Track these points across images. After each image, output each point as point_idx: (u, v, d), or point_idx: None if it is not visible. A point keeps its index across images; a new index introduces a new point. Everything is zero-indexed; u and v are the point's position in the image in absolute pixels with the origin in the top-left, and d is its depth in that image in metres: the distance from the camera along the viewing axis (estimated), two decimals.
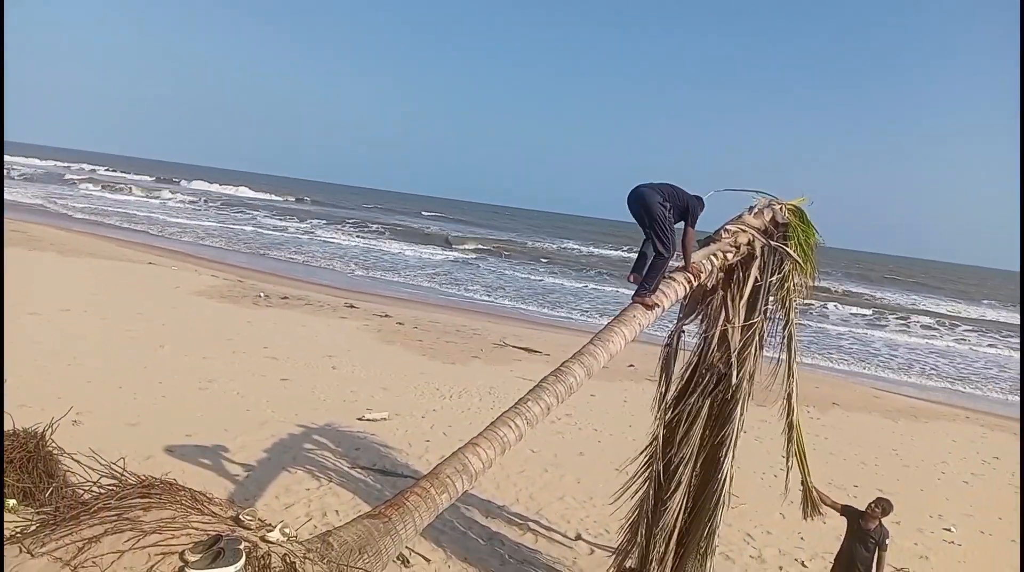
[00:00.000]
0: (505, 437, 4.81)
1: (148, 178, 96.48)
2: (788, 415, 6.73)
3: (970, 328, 42.18)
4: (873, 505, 6.97)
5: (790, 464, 6.89)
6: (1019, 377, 26.33)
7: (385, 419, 11.95)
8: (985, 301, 63.94)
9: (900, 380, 24.49)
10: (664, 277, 5.86)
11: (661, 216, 5.75)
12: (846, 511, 7.21)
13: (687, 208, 5.87)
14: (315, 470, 9.53)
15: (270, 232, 49.20)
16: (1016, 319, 44.67)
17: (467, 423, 11.91)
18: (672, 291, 5.89)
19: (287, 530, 3.86)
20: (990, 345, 35.94)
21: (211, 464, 9.09)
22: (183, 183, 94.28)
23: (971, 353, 32.76)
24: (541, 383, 5.18)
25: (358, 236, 54.41)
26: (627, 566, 7.10)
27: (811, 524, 7.61)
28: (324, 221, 63.50)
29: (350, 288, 29.16)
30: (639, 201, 5.83)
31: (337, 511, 8.41)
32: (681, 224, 5.93)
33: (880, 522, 6.95)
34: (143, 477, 3.98)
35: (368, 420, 11.78)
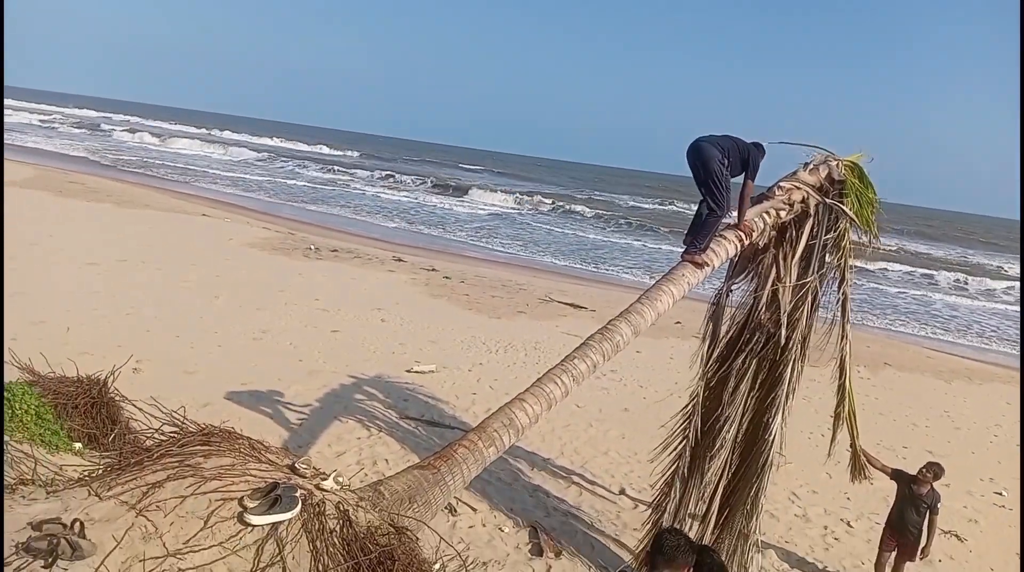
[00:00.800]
0: (551, 394, 4.86)
1: (193, 128, 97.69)
2: (840, 377, 6.62)
3: None
4: (924, 470, 6.91)
5: (840, 428, 6.81)
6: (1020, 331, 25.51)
7: (433, 371, 12.13)
8: None
9: (955, 341, 23.85)
10: (716, 235, 5.76)
11: (718, 172, 5.58)
12: (896, 475, 7.14)
13: (748, 159, 5.70)
14: (365, 420, 9.76)
15: (318, 186, 49.59)
16: None
17: (512, 377, 12.02)
18: (723, 249, 5.80)
19: (340, 479, 3.98)
20: None
21: (266, 412, 9.37)
22: (227, 134, 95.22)
23: None
24: (588, 341, 5.19)
25: (403, 190, 54.56)
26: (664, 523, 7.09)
27: (858, 485, 7.54)
28: (369, 173, 63.88)
29: (397, 241, 29.38)
30: (698, 155, 5.64)
31: (387, 460, 8.63)
32: (739, 179, 5.77)
33: (932, 486, 6.89)
34: (203, 425, 4.12)
35: (416, 372, 11.98)
